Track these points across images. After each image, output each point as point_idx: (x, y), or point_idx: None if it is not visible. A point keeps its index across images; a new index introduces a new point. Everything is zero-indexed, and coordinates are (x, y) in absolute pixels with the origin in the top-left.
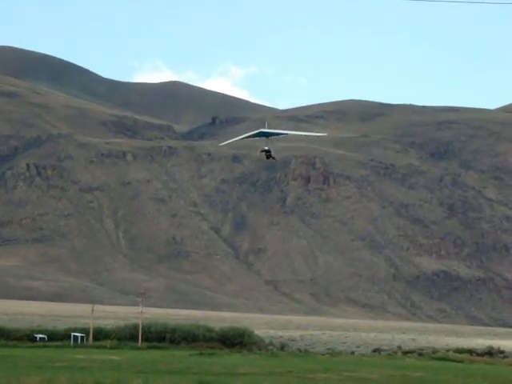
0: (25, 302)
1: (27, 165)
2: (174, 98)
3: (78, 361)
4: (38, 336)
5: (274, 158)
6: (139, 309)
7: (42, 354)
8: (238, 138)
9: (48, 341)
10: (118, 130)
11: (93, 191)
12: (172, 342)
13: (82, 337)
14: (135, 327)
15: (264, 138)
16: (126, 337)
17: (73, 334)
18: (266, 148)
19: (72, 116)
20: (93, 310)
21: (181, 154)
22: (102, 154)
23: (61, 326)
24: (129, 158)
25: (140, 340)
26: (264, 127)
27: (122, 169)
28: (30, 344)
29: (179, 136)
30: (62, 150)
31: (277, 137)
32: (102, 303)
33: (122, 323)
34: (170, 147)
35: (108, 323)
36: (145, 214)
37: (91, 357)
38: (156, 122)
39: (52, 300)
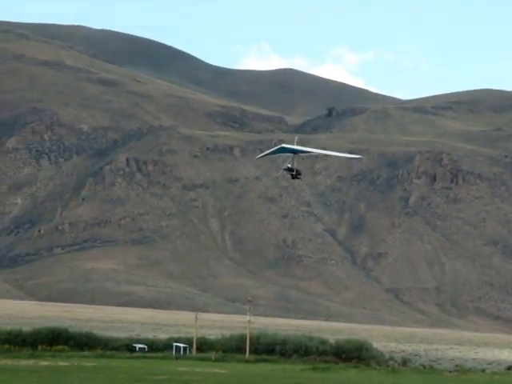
0: (123, 309)
1: (127, 159)
2: (286, 87)
3: (180, 374)
4: (138, 346)
5: (299, 178)
6: (247, 318)
7: (142, 365)
8: (263, 154)
9: (148, 351)
10: (225, 122)
11: (197, 188)
12: (282, 354)
13: (184, 347)
14: (242, 338)
15: (291, 154)
16: (232, 348)
17: (175, 344)
18: (289, 166)
19: (175, 106)
20: (196, 319)
21: None
22: (207, 148)
23: (162, 335)
24: (236, 152)
25: (247, 352)
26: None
27: (229, 164)
28: (128, 354)
29: (291, 129)
30: (164, 144)
31: (306, 154)
32: (206, 311)
33: (227, 333)
34: (282, 141)
35: (213, 333)
36: (253, 214)
37: (194, 369)
38: (266, 113)
39: (152, 307)
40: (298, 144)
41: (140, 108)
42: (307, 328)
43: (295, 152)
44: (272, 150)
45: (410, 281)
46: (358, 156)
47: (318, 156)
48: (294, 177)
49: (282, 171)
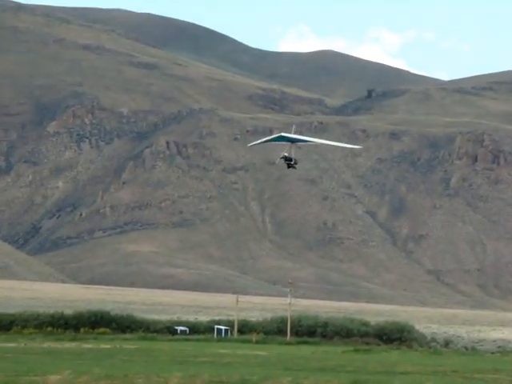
0: (164, 292)
1: (167, 143)
2: (326, 69)
3: (221, 356)
4: (179, 328)
5: (295, 167)
6: (287, 300)
7: (184, 347)
8: (258, 142)
9: (189, 334)
10: (265, 105)
11: (237, 171)
12: (323, 336)
13: (225, 330)
14: (283, 320)
15: (289, 143)
16: (273, 331)
17: (216, 326)
18: (286, 154)
19: (215, 89)
20: (237, 301)
21: (333, 130)
22: (247, 131)
23: (203, 317)
24: (276, 135)
25: (288, 334)
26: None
27: (269, 147)
28: (170, 337)
29: (331, 111)
30: (204, 127)
31: (304, 143)
32: (246, 293)
33: (268, 315)
34: (322, 123)
35: (254, 315)
36: (293, 196)
37: (236, 352)
38: (306, 95)
39: (193, 289)
40: (296, 133)
41: (180, 91)
42: (348, 310)
43: (293, 141)
44: (270, 137)
45: (451, 262)
46: (357, 146)
47: (358, 138)
48: (290, 166)
49: (279, 160)
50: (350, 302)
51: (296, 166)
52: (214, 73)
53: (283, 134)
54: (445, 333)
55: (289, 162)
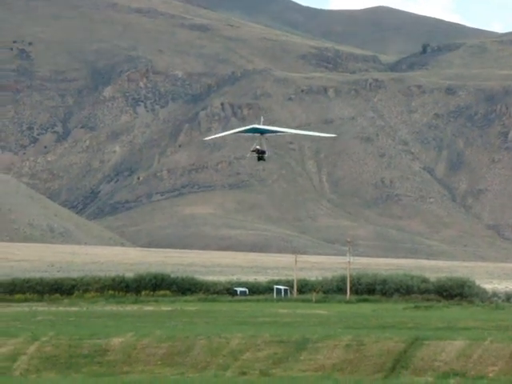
0: (223, 253)
1: (221, 104)
2: (380, 25)
3: (281, 316)
4: (239, 289)
5: (264, 159)
6: (346, 259)
7: (243, 308)
8: (226, 133)
9: (249, 294)
10: (319, 63)
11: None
12: (383, 294)
13: (285, 290)
14: (342, 279)
15: (258, 134)
16: (332, 289)
17: (275, 286)
18: (258, 147)
19: (268, 49)
20: (296, 261)
21: (388, 87)
22: (302, 90)
23: (262, 278)
24: (331, 93)
25: (348, 293)
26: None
27: (324, 106)
28: (230, 298)
29: (386, 67)
30: (258, 87)
31: (273, 134)
32: (305, 253)
33: (327, 275)
34: (377, 80)
35: (313, 275)
36: (350, 154)
37: (296, 311)
38: (360, 52)
39: (252, 250)
40: (266, 123)
41: (234, 52)
42: (408, 267)
43: (262, 132)
44: (242, 129)
45: (511, 216)
46: (332, 135)
47: (413, 94)
48: (260, 158)
49: (250, 153)
50: (409, 259)
51: (265, 157)
52: (267, 33)
53: (256, 125)
54: (506, 287)
55: (261, 155)
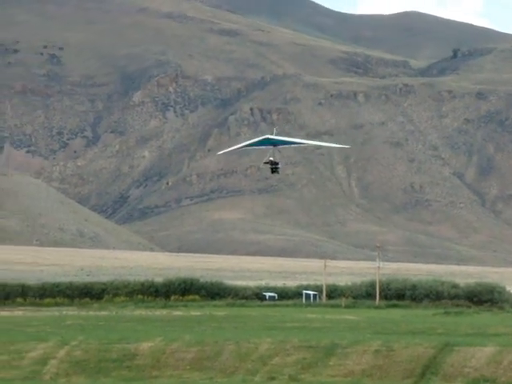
0: (252, 258)
1: (251, 109)
2: (410, 30)
3: (310, 321)
4: (268, 294)
5: (278, 172)
6: (375, 264)
7: (272, 313)
8: (238, 146)
9: (278, 299)
10: (349, 68)
11: (322, 136)
12: (413, 300)
13: (314, 295)
14: (372, 284)
15: (271, 146)
16: (361, 295)
17: (304, 291)
18: (272, 159)
19: (298, 54)
20: (325, 266)
21: (418, 92)
22: (332, 95)
23: (291, 283)
24: (360, 98)
25: (377, 298)
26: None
27: (354, 110)
28: (258, 303)
29: (416, 72)
30: (288, 92)
31: (287, 146)
32: (334, 258)
33: (357, 280)
34: (407, 85)
35: (342, 280)
36: (379, 159)
37: (325, 316)
38: (390, 57)
39: (280, 255)
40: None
41: (263, 57)
42: (437, 272)
43: (275, 144)
44: (254, 140)
45: None
46: (345, 146)
47: (444, 99)
48: (274, 170)
49: (263, 164)
50: (439, 265)
51: (279, 169)
52: (297, 37)
53: (268, 136)
54: None
55: (274, 166)
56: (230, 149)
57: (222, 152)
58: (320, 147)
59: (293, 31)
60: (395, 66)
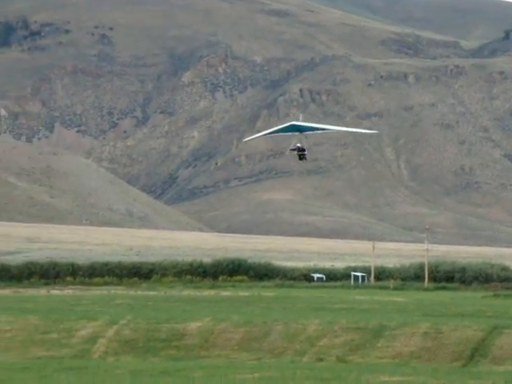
0: (300, 239)
1: (300, 90)
2: (461, 11)
3: (358, 302)
4: (316, 276)
5: (305, 158)
6: (424, 246)
7: (321, 294)
8: (264, 133)
9: (326, 281)
10: (399, 49)
11: (371, 117)
12: (462, 282)
13: (362, 276)
14: (420, 266)
15: (297, 132)
16: (410, 277)
17: (353, 273)
18: (299, 145)
19: (348, 35)
20: (373, 248)
21: (470, 73)
22: (381, 77)
23: (339, 264)
24: (411, 79)
25: (426, 280)
26: (298, 120)
27: (404, 92)
28: (307, 284)
29: (467, 53)
30: (337, 73)
31: (312, 132)
32: (382, 240)
33: (405, 262)
34: (458, 66)
35: (390, 262)
36: (429, 141)
37: (373, 298)
38: (441, 38)
39: (329, 236)
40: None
41: (313, 38)
42: (487, 255)
43: (303, 130)
44: (280, 127)
45: None
46: (373, 131)
47: (495, 80)
48: (301, 157)
49: (289, 151)
50: (489, 247)
51: (306, 155)
52: (347, 18)
53: (294, 122)
54: None
55: (301, 153)
56: (256, 135)
57: (248, 139)
58: (369, 128)
59: (342, 12)
60: (446, 46)
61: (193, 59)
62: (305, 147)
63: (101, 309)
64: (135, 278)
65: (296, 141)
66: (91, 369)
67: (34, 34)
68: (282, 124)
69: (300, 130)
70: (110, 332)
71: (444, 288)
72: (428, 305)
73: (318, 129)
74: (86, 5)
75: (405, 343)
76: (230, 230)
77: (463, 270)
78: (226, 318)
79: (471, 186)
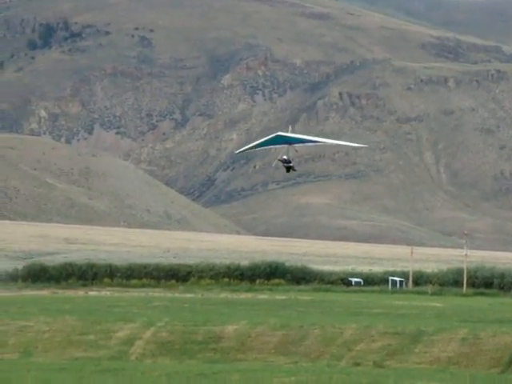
0: (338, 243)
1: (340, 94)
2: (503, 15)
3: (396, 307)
4: (354, 280)
5: (294, 169)
6: (463, 251)
7: (358, 299)
8: (252, 145)
9: (364, 285)
10: (439, 53)
11: (411, 121)
12: (501, 288)
13: (400, 281)
14: (459, 272)
15: (286, 144)
16: (448, 282)
17: (391, 278)
18: (285, 157)
19: (388, 38)
20: (412, 252)
21: (511, 78)
22: (421, 80)
23: (377, 269)
24: (451, 83)
25: (465, 286)
26: (287, 131)
27: (444, 96)
28: (344, 288)
29: (509, 58)
30: (377, 77)
31: (303, 144)
32: (421, 245)
33: (444, 267)
34: (499, 71)
35: (429, 267)
36: (469, 146)
37: (411, 303)
38: (482, 42)
39: (367, 241)
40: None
41: (353, 41)
42: None
43: (290, 142)
44: (266, 138)
45: None
46: (362, 145)
47: None
48: (289, 169)
49: (276, 162)
50: None
51: (295, 168)
52: (388, 22)
53: (280, 133)
54: None
55: (288, 165)
56: (246, 147)
57: (239, 150)
58: (409, 132)
59: (383, 15)
60: (487, 51)
61: (232, 62)
62: (291, 159)
63: (138, 311)
64: (172, 281)
65: (283, 153)
66: (128, 370)
67: (75, 36)
68: (321, 128)
69: (288, 141)
70: (147, 334)
71: (482, 294)
72: (466, 311)
73: (306, 140)
74: (126, 7)
75: (442, 349)
76: (267, 233)
77: (502, 275)
78: (263, 321)
79: (511, 191)
